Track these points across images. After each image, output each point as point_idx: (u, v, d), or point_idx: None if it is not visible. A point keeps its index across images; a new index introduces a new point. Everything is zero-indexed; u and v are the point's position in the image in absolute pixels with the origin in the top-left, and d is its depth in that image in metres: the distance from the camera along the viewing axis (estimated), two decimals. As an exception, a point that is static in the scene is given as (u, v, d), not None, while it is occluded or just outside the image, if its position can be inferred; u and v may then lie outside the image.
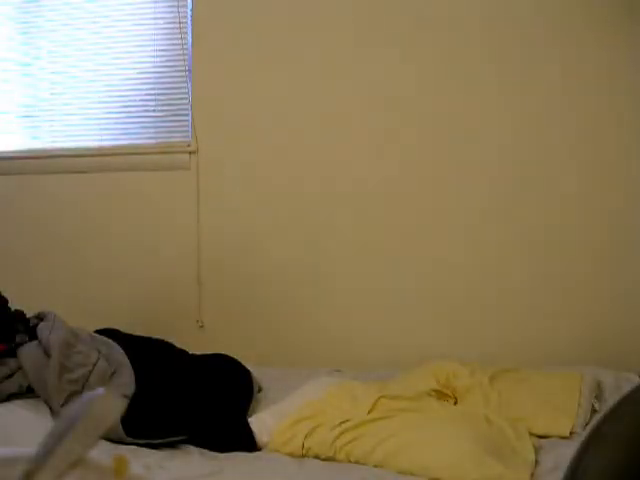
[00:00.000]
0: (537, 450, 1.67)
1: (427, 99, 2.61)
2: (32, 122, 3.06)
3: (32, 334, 2.27)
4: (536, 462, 1.61)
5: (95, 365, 2.10)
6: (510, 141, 2.54)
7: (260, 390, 2.25)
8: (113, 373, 2.12)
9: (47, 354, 2.09)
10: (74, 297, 2.89)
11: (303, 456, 1.76)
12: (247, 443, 1.85)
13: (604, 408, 1.87)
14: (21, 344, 2.22)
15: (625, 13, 2.42)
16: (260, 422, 1.90)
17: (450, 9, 2.56)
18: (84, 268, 2.92)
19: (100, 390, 0.81)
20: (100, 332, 2.36)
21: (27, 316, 2.36)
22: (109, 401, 0.81)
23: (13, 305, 2.36)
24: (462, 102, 2.57)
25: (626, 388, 1.99)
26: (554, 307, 2.50)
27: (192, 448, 1.86)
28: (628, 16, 2.42)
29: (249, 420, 1.94)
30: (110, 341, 2.26)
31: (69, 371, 2.04)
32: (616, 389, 2.01)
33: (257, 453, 1.82)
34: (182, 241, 2.81)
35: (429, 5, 2.58)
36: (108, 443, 1.76)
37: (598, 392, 2.00)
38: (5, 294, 2.36)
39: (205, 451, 1.84)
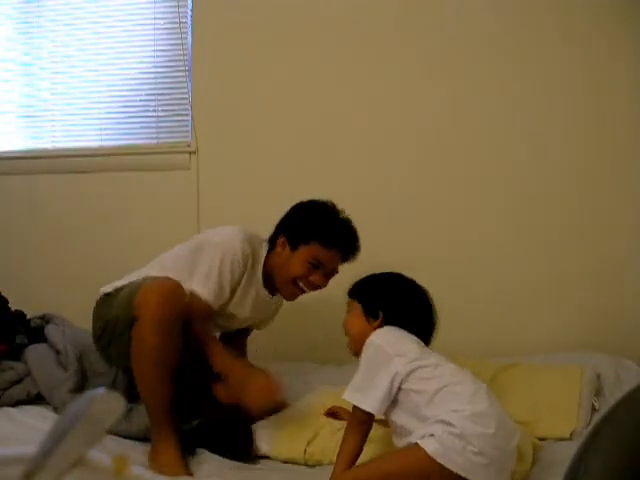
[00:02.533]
0: (537, 449, 1.67)
1: (427, 99, 2.62)
2: (32, 122, 3.06)
3: (33, 335, 2.27)
4: (535, 462, 1.61)
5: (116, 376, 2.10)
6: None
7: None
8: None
9: (62, 365, 2.10)
10: (75, 297, 2.87)
11: (305, 462, 1.75)
12: (247, 450, 1.83)
13: (604, 405, 1.87)
14: (22, 345, 2.22)
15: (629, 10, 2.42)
16: (260, 429, 1.88)
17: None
18: (84, 268, 2.92)
19: (100, 390, 0.81)
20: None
21: (27, 316, 2.37)
22: (109, 401, 0.81)
23: (13, 305, 2.36)
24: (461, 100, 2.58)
25: (625, 379, 2.01)
26: (553, 293, 2.51)
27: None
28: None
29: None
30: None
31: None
32: (615, 380, 2.03)
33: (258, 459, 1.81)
34: (182, 241, 2.80)
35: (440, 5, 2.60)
36: (108, 443, 1.75)
37: (598, 385, 2.00)
38: (5, 294, 2.36)
39: (205, 451, 1.84)
